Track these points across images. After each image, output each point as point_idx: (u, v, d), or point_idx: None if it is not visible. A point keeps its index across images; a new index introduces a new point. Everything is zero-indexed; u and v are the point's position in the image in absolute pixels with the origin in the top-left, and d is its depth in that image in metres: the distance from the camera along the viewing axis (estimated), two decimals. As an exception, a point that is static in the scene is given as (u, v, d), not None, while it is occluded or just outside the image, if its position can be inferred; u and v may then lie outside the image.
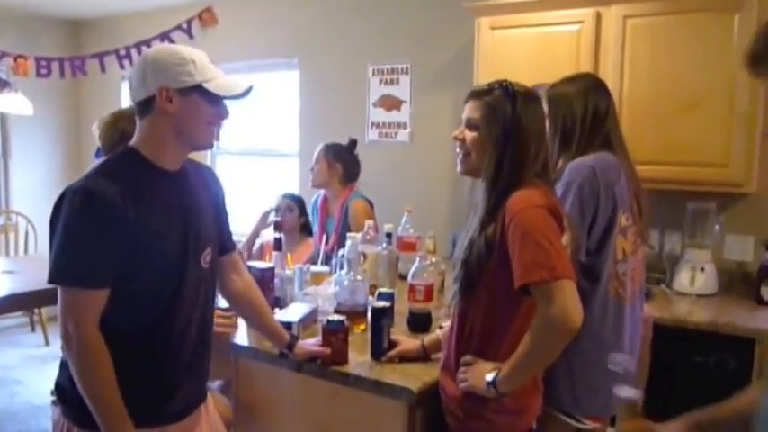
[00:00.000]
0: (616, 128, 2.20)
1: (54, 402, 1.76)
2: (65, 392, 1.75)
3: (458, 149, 1.82)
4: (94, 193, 1.62)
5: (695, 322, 2.72)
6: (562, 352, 1.63)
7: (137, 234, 1.65)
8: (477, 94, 1.79)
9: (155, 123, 1.73)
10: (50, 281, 1.63)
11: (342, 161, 3.53)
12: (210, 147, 1.82)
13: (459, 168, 1.85)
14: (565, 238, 1.74)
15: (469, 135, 1.78)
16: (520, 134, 1.72)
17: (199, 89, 1.69)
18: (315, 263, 3.07)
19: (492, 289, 1.72)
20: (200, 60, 1.72)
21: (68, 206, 1.62)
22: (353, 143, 3.62)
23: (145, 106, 1.72)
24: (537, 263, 1.58)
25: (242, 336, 2.30)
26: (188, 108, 1.70)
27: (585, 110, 2.13)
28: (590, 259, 2.06)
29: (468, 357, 1.76)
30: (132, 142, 1.77)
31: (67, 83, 5.77)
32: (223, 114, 1.77)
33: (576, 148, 2.11)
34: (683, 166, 2.98)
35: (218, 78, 1.73)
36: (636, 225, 2.18)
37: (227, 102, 1.75)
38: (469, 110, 1.80)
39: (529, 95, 1.76)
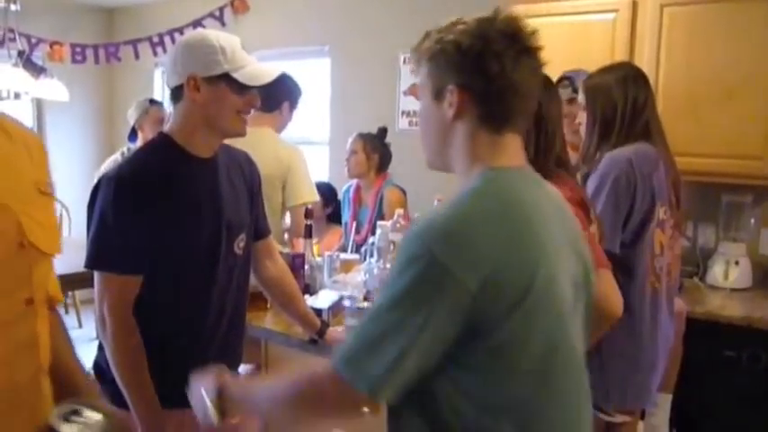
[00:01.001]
0: (655, 118, 2.17)
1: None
2: (102, 372, 1.80)
3: None
4: (127, 180, 1.68)
5: (728, 316, 2.68)
6: (595, 345, 1.61)
7: (168, 221, 1.68)
8: None
9: (185, 111, 1.74)
10: (86, 266, 1.69)
11: (378, 151, 3.54)
12: (241, 135, 1.81)
13: None
14: (593, 228, 1.73)
15: None
16: (544, 121, 1.71)
17: (226, 78, 1.68)
18: (344, 251, 3.09)
19: None
20: (231, 47, 1.70)
21: (103, 193, 1.67)
22: (384, 131, 3.62)
23: (176, 93, 1.74)
24: None
25: (273, 321, 2.32)
26: (215, 97, 1.70)
27: (625, 100, 2.10)
28: (625, 252, 2.04)
29: None
30: (167, 128, 1.80)
31: (101, 70, 5.85)
32: (252, 103, 1.76)
33: (616, 139, 2.09)
34: (718, 158, 2.92)
35: (248, 66, 1.72)
36: (673, 217, 2.15)
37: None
38: None
39: (547, 81, 1.75)
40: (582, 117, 2.18)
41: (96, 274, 1.69)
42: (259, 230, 1.98)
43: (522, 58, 1.17)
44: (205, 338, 1.80)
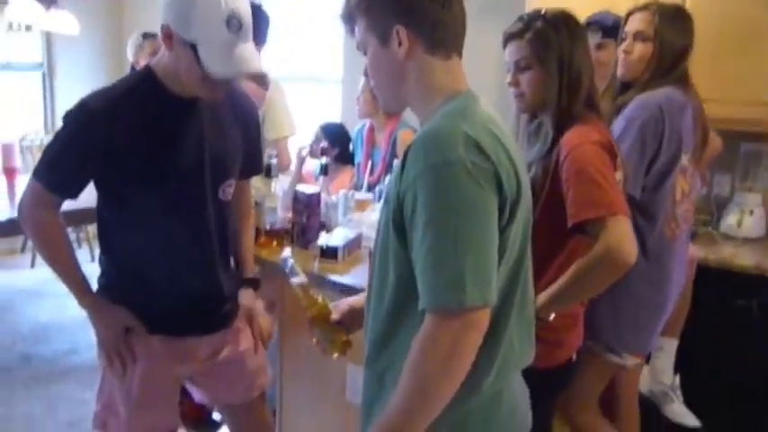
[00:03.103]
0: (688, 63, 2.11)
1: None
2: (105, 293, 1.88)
3: (512, 92, 1.78)
4: (87, 109, 1.66)
5: (740, 265, 2.69)
6: (609, 288, 1.62)
7: (133, 156, 1.66)
8: (516, 34, 1.73)
9: (168, 55, 1.66)
10: (33, 174, 1.74)
11: None
12: (214, 101, 1.71)
13: (515, 107, 1.81)
14: (618, 175, 1.72)
15: (523, 77, 1.73)
16: (573, 62, 1.68)
17: (194, 48, 1.56)
18: (357, 191, 3.08)
19: (538, 222, 1.71)
20: (212, 11, 1.53)
21: (71, 112, 1.68)
22: None
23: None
24: (592, 200, 1.57)
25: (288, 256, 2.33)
26: (184, 59, 1.59)
27: (673, 42, 2.05)
28: (647, 197, 2.02)
29: None
30: (153, 62, 1.73)
31: (111, 1, 5.75)
32: (212, 89, 1.63)
33: (651, 80, 2.05)
34: (738, 105, 2.86)
35: (221, 45, 1.55)
36: (694, 165, 2.13)
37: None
38: (514, 52, 1.74)
39: (570, 21, 1.72)
40: (638, 48, 2.10)
41: (30, 180, 1.74)
42: (249, 168, 1.95)
43: None
44: (189, 274, 1.82)
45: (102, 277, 1.86)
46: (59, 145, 1.69)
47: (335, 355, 1.53)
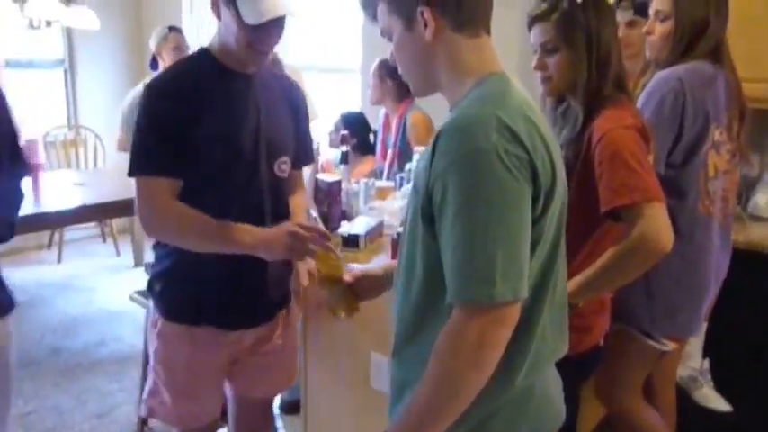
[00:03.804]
0: (724, 38, 2.04)
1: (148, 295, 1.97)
2: (152, 286, 1.89)
3: (539, 76, 1.74)
4: (152, 86, 1.73)
5: (770, 246, 2.64)
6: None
7: (199, 129, 1.69)
8: (542, 16, 1.69)
9: (219, 26, 1.72)
10: (128, 174, 1.75)
11: (393, 77, 3.46)
12: (249, 71, 1.77)
13: (541, 92, 1.77)
14: (651, 158, 1.68)
15: (550, 59, 1.69)
16: (601, 42, 1.64)
17: (234, 5, 1.62)
18: (378, 179, 3.07)
19: (568, 208, 1.68)
20: None
21: (141, 101, 1.73)
22: None
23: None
24: (627, 185, 1.53)
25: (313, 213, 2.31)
26: (230, 25, 1.67)
27: (690, 13, 1.98)
28: (674, 173, 1.97)
29: None
30: (207, 44, 1.79)
31: (130, -3, 5.79)
32: (253, 44, 1.68)
33: (675, 57, 1.99)
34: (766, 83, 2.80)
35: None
36: (731, 142, 2.07)
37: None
38: (540, 34, 1.70)
39: (598, 1, 1.68)
40: (659, 28, 2.04)
41: (135, 182, 1.74)
42: (300, 157, 1.95)
43: None
44: (241, 258, 1.80)
45: (156, 265, 1.88)
46: (141, 130, 1.71)
47: (342, 314, 1.55)
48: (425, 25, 1.18)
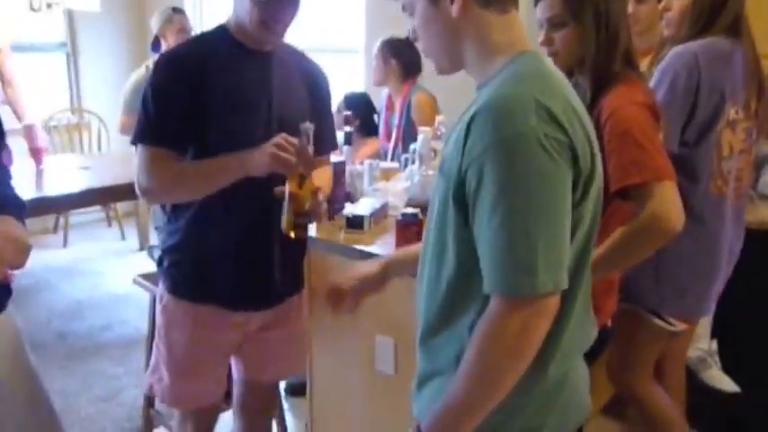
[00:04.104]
0: (743, 12, 1.99)
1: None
2: (160, 262, 1.90)
3: (545, 51, 1.70)
4: (167, 60, 1.75)
5: (779, 226, 2.60)
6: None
7: (206, 101, 1.70)
8: None
9: (235, 5, 1.72)
10: (131, 141, 1.78)
11: (397, 57, 3.43)
12: (261, 48, 1.78)
13: None
14: (661, 136, 1.65)
15: (557, 34, 1.65)
16: (610, 16, 1.60)
17: None
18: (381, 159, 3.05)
19: None
20: None
21: (150, 75, 1.75)
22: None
23: None
24: (637, 164, 1.50)
25: (315, 227, 2.30)
26: (240, 0, 1.68)
27: None
28: (688, 152, 1.93)
29: None
30: (227, 19, 1.80)
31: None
32: (266, 19, 1.67)
33: (693, 33, 1.94)
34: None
35: None
36: (748, 121, 2.02)
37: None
38: (546, 8, 1.66)
39: None
40: (676, 3, 2.00)
41: (136, 150, 1.76)
42: (321, 143, 1.86)
43: None
44: (249, 240, 1.81)
45: (164, 242, 1.88)
46: (146, 100, 1.72)
47: (292, 234, 1.64)
48: (452, 0, 1.13)
